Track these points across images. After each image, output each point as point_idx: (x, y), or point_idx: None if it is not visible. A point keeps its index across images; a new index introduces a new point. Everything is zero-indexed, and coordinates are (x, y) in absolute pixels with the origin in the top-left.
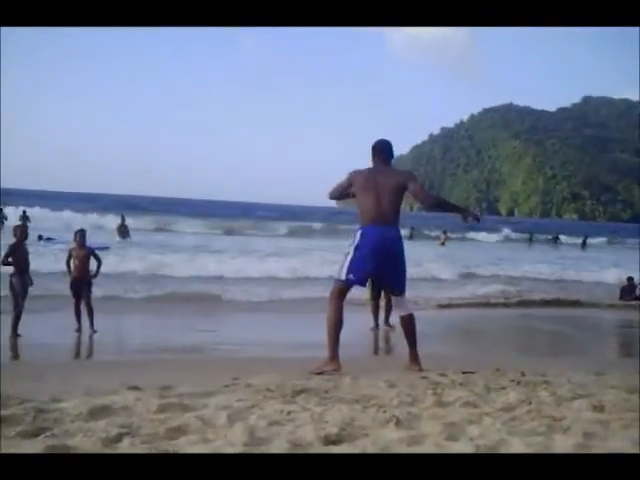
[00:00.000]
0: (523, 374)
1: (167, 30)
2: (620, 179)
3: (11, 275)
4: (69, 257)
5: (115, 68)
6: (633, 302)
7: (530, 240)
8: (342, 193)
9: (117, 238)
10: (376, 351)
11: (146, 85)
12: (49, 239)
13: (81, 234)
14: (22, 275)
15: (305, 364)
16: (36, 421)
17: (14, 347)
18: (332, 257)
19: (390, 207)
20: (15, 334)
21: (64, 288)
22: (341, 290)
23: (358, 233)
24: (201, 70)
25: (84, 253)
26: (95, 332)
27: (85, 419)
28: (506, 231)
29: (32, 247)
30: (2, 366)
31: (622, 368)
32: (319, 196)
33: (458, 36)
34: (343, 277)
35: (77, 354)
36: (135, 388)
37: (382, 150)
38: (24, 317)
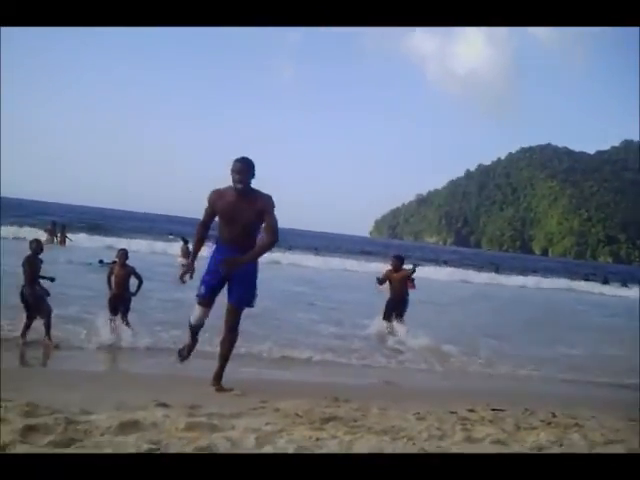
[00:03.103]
0: (554, 415)
1: (176, 34)
2: None
3: (23, 286)
4: (110, 274)
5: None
6: None
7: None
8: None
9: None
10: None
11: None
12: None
13: (122, 253)
14: (32, 286)
15: (333, 390)
16: (67, 432)
17: (22, 353)
18: None
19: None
20: (23, 340)
21: None
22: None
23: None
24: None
25: (124, 272)
26: (132, 348)
27: (115, 433)
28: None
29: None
30: (31, 374)
31: None
32: (347, 224)
33: (498, 72)
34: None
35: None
36: (164, 405)
37: (245, 170)
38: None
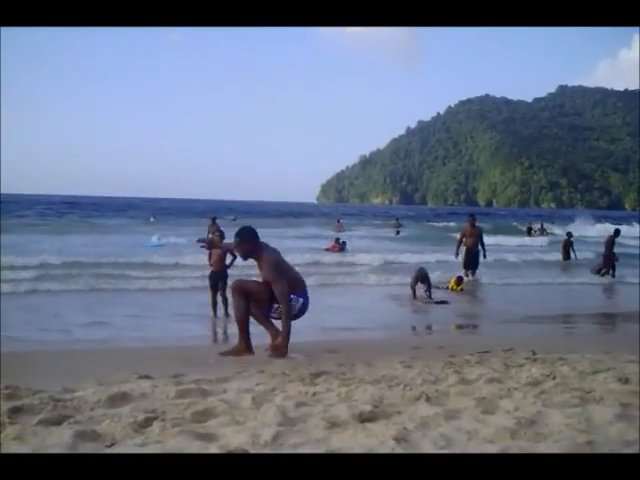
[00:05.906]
0: (534, 352)
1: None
2: (596, 167)
3: None
4: (210, 254)
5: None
6: None
7: None
8: None
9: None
10: None
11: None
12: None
13: (219, 233)
14: None
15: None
16: (56, 409)
17: None
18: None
19: None
20: None
21: None
22: None
23: None
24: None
25: (222, 250)
26: (228, 316)
27: (106, 406)
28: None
29: None
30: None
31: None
32: (295, 192)
33: (430, 29)
34: None
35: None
36: (147, 377)
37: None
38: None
